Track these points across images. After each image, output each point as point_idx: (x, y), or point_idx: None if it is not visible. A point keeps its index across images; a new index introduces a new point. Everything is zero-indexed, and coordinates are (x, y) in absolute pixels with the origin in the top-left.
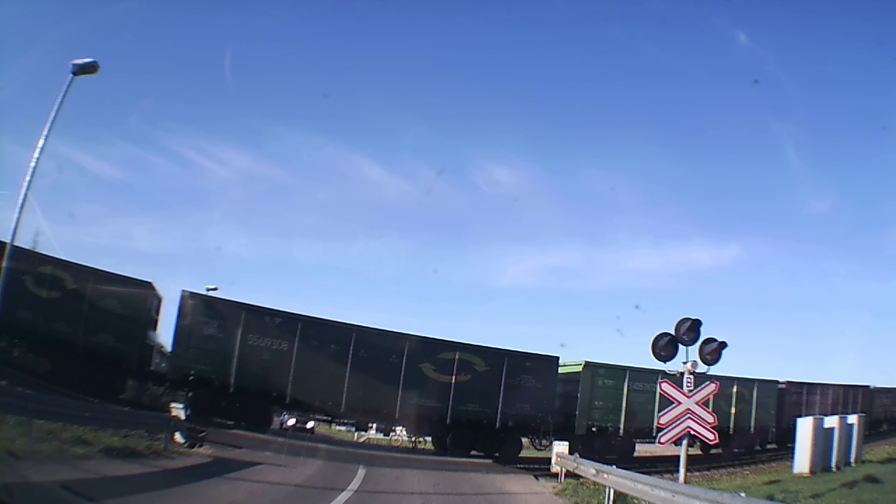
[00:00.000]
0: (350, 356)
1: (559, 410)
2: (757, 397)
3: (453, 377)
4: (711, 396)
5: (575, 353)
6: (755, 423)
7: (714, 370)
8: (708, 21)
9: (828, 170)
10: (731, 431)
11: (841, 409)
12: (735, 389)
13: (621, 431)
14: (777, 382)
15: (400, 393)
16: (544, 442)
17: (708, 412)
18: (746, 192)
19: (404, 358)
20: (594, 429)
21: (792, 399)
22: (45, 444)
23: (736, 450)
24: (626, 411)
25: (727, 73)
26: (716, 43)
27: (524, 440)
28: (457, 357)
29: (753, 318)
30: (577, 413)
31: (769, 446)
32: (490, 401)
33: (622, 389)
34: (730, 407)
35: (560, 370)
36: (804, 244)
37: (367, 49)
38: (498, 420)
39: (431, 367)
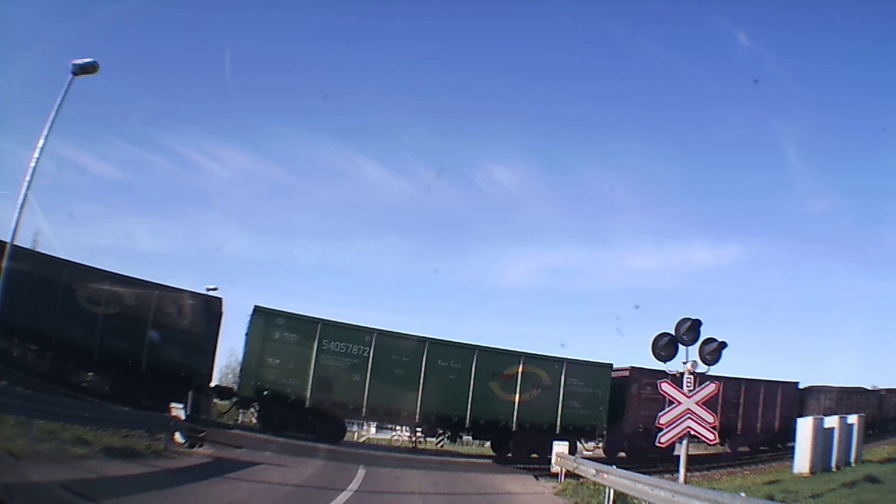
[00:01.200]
0: None
1: (239, 367)
2: (565, 384)
3: (101, 308)
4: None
5: (575, 353)
6: (567, 422)
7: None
8: (708, 21)
9: (828, 169)
10: (514, 427)
11: (742, 410)
12: (520, 369)
13: (308, 402)
14: (610, 367)
15: None
16: (217, 402)
17: (708, 412)
18: (747, 192)
19: None
20: (266, 392)
21: (642, 392)
22: (45, 444)
23: (532, 455)
24: (314, 377)
25: (727, 72)
26: (716, 43)
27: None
28: (106, 288)
29: (754, 318)
30: (242, 368)
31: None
32: (136, 339)
33: (310, 349)
34: (511, 393)
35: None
36: (804, 244)
37: (367, 49)
38: (144, 363)
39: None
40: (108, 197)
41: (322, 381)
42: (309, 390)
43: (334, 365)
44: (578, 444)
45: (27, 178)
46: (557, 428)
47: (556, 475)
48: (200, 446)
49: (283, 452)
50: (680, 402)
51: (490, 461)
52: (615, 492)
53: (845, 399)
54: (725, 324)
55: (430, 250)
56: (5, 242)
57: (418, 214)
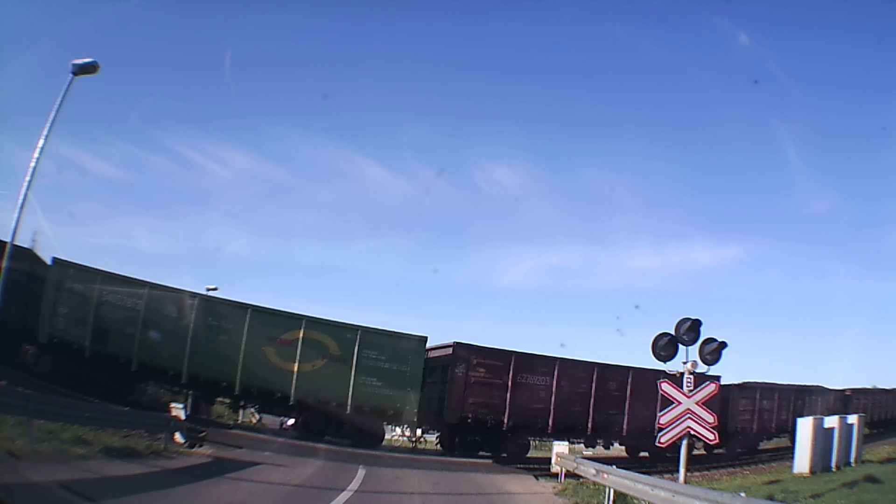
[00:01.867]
0: None
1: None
2: (359, 356)
3: None
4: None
5: (575, 353)
6: (361, 401)
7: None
8: (708, 21)
9: (828, 169)
10: (292, 401)
11: (629, 405)
12: (300, 334)
13: (87, 351)
14: (424, 341)
15: None
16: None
17: (708, 412)
18: (747, 192)
19: None
20: (56, 340)
21: (471, 374)
22: (45, 444)
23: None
24: (93, 328)
25: (727, 73)
26: (716, 43)
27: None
28: None
29: (754, 318)
30: (40, 318)
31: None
32: None
33: (92, 299)
34: (290, 361)
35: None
36: (804, 244)
37: (367, 49)
38: None
39: None
40: (108, 197)
41: (100, 333)
42: (88, 340)
43: (111, 317)
44: (393, 430)
45: (27, 178)
46: (348, 407)
47: (556, 475)
48: (200, 446)
49: (283, 452)
50: (679, 402)
51: (490, 461)
52: (615, 492)
53: (792, 398)
54: (725, 324)
55: (430, 250)
56: (5, 242)
57: (418, 214)
